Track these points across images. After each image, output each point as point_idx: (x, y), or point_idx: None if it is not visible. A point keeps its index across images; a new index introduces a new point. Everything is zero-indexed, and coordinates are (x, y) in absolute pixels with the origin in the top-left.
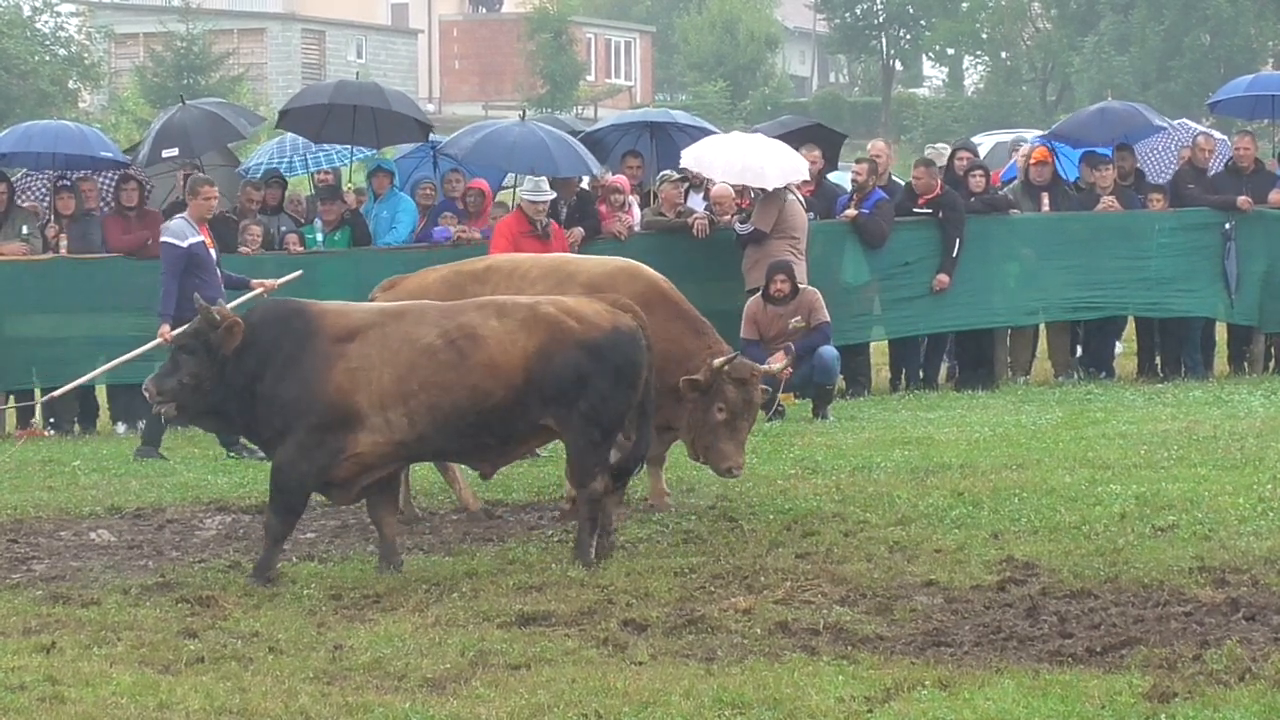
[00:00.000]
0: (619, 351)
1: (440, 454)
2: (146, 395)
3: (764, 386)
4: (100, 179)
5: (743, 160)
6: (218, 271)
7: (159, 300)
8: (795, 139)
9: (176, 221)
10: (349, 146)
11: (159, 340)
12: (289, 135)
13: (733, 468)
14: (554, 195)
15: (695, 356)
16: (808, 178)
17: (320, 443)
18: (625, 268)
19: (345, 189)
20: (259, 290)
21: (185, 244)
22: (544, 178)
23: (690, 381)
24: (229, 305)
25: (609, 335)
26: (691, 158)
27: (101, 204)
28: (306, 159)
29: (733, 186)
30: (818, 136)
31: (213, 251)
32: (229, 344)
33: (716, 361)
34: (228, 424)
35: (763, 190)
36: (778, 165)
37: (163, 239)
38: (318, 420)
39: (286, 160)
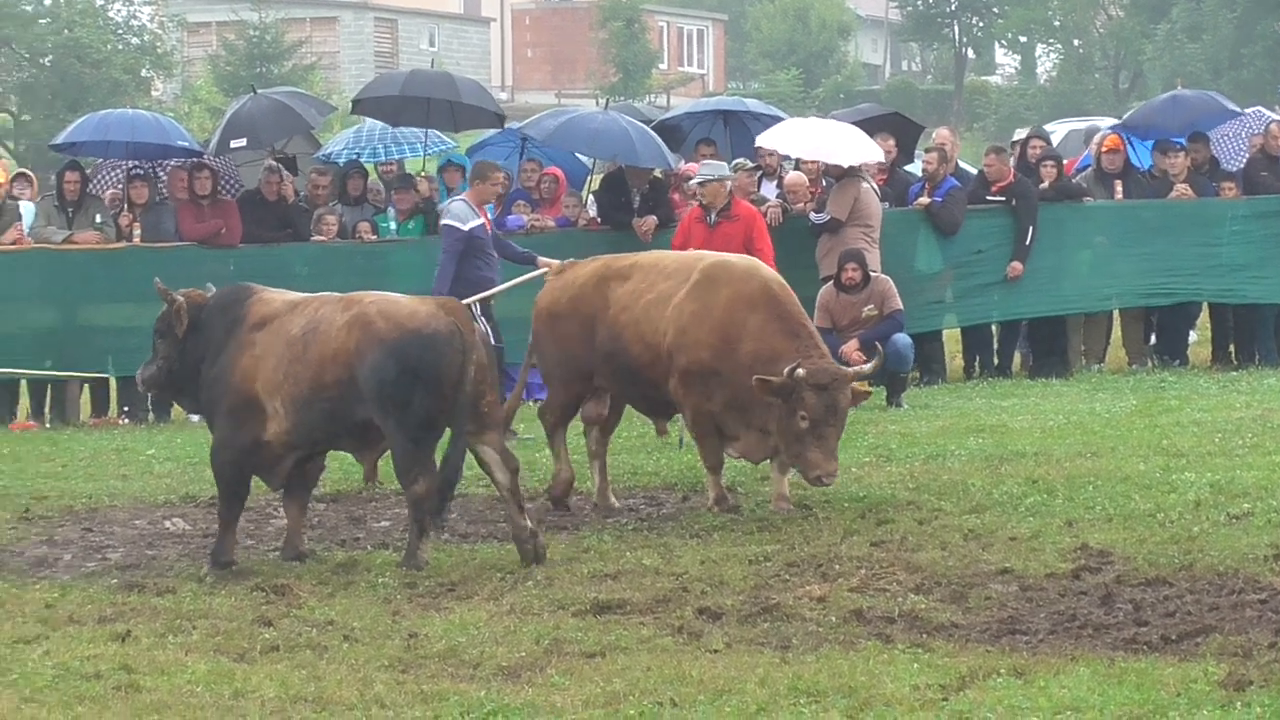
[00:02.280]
0: (413, 354)
1: (316, 443)
2: (138, 385)
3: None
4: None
5: (817, 140)
6: (495, 253)
7: (434, 279)
8: (872, 127)
9: (458, 204)
10: (424, 139)
11: None
12: (366, 124)
13: (821, 476)
14: (727, 174)
15: (783, 359)
16: (881, 159)
17: (236, 427)
18: (742, 265)
19: (419, 175)
20: (543, 270)
21: (466, 227)
22: (716, 161)
23: (762, 381)
24: (511, 283)
25: (405, 337)
26: (767, 138)
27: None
28: (381, 149)
29: (806, 175)
30: (895, 126)
31: (491, 232)
32: (178, 326)
33: (799, 371)
34: (196, 404)
35: (834, 178)
36: (853, 147)
37: (444, 221)
38: (229, 405)
39: (371, 148)
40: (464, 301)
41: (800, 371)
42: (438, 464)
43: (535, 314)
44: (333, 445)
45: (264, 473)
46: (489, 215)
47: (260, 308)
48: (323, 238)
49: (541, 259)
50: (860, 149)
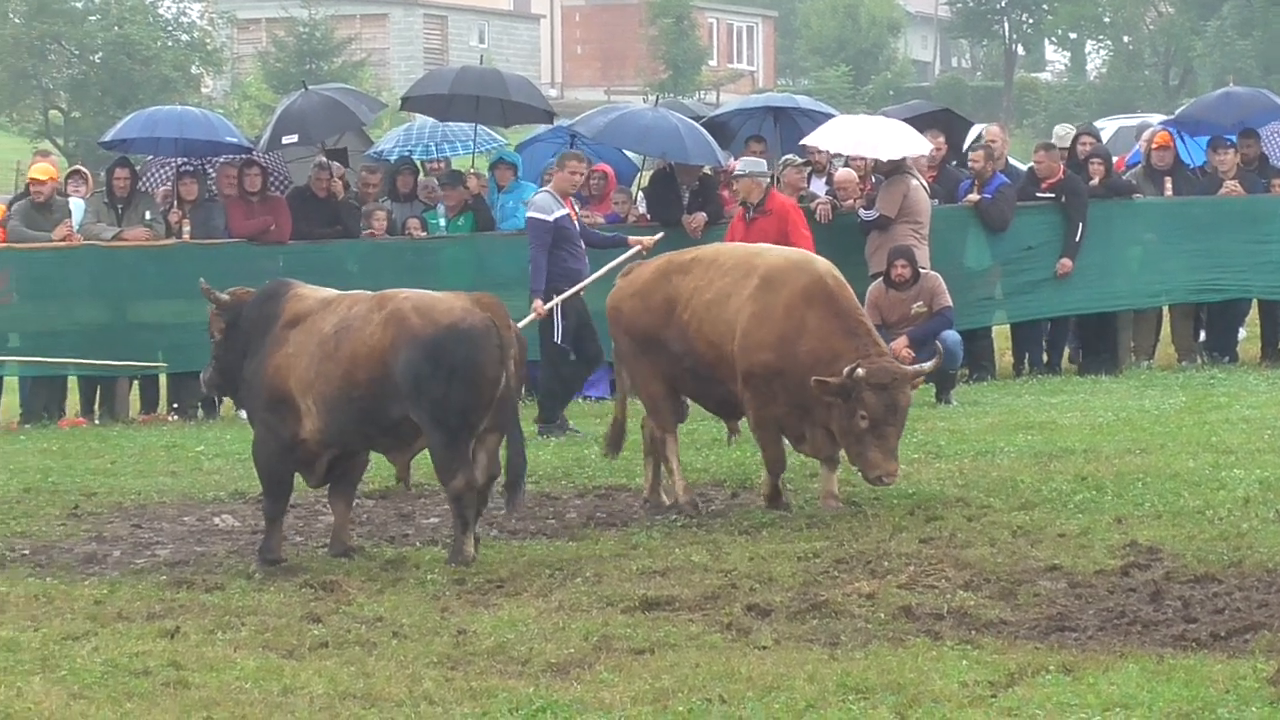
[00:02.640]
0: (449, 350)
1: (350, 443)
2: (201, 388)
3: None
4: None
5: (859, 135)
6: (582, 243)
7: (529, 276)
8: (922, 124)
9: (541, 196)
10: (474, 137)
11: (533, 316)
12: (415, 122)
13: (882, 476)
14: (763, 171)
15: (842, 358)
16: (925, 154)
17: (274, 425)
18: (798, 261)
19: (468, 171)
20: (636, 248)
21: (551, 218)
22: (751, 158)
23: (819, 382)
24: (606, 267)
25: (440, 333)
26: (812, 139)
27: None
28: (431, 146)
29: (855, 171)
30: (944, 122)
31: (576, 223)
32: (215, 327)
33: (858, 371)
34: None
35: (883, 175)
36: (896, 141)
37: (529, 214)
38: (265, 402)
39: (421, 145)
40: (559, 298)
41: (860, 371)
42: (500, 463)
43: (608, 315)
44: (367, 445)
45: (303, 470)
46: (575, 206)
47: (295, 304)
48: (373, 234)
49: (633, 238)
50: (904, 142)
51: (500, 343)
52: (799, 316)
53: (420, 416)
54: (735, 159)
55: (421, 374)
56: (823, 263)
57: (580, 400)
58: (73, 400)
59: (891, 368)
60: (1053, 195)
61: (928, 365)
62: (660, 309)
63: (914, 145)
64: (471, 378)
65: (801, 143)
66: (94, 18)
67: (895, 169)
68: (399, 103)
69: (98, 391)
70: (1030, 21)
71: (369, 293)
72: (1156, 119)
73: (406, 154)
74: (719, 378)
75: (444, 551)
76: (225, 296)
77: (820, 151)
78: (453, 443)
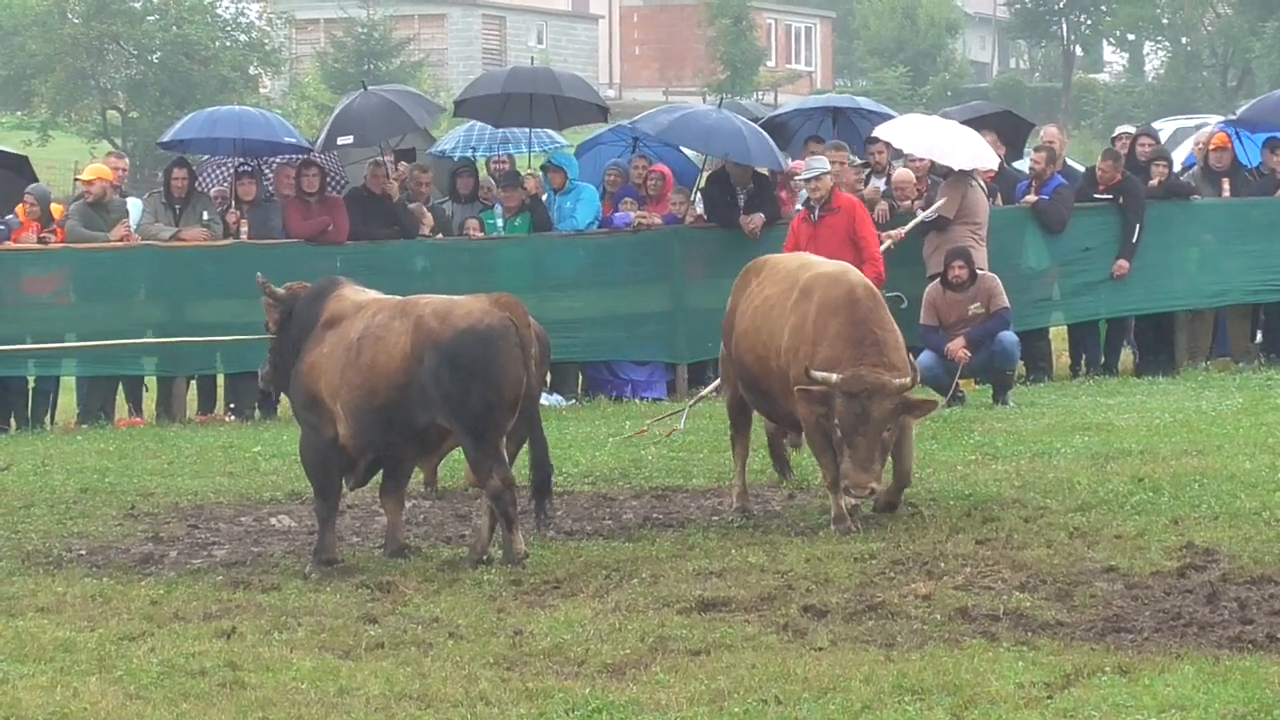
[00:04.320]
0: (465, 353)
1: (379, 449)
2: (260, 384)
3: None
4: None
5: (933, 139)
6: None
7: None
8: (982, 125)
9: None
10: (528, 136)
11: None
12: (476, 122)
13: (849, 487)
14: (827, 169)
15: (841, 365)
16: (994, 168)
17: (314, 425)
18: (832, 272)
19: (525, 173)
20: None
21: None
22: (820, 156)
23: (802, 391)
24: None
25: (457, 336)
26: (884, 130)
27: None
28: (494, 145)
29: (913, 172)
30: (1005, 123)
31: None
32: (270, 321)
33: (814, 373)
34: None
35: (941, 176)
36: (968, 150)
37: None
38: (304, 402)
39: (484, 144)
40: None
41: (831, 377)
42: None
43: None
44: (395, 451)
45: (345, 472)
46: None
47: (335, 304)
48: (427, 234)
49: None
50: (975, 153)
51: (520, 342)
52: (824, 322)
53: (449, 421)
54: (794, 160)
55: (443, 378)
56: (857, 275)
57: (637, 401)
58: (120, 400)
59: (867, 377)
60: (1110, 196)
61: (906, 380)
62: (730, 312)
63: (986, 158)
64: (493, 378)
65: (873, 134)
66: (152, 18)
67: (955, 170)
68: (454, 107)
69: (145, 390)
70: (1088, 22)
71: (394, 299)
72: (1215, 119)
73: (469, 153)
74: (766, 389)
75: (498, 551)
76: (280, 291)
77: (881, 151)
78: (482, 444)
